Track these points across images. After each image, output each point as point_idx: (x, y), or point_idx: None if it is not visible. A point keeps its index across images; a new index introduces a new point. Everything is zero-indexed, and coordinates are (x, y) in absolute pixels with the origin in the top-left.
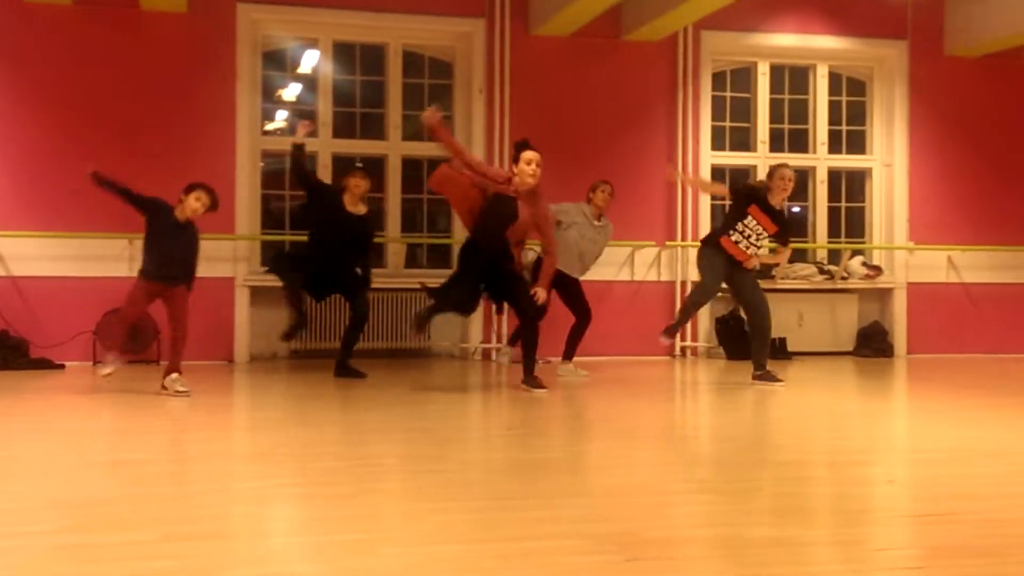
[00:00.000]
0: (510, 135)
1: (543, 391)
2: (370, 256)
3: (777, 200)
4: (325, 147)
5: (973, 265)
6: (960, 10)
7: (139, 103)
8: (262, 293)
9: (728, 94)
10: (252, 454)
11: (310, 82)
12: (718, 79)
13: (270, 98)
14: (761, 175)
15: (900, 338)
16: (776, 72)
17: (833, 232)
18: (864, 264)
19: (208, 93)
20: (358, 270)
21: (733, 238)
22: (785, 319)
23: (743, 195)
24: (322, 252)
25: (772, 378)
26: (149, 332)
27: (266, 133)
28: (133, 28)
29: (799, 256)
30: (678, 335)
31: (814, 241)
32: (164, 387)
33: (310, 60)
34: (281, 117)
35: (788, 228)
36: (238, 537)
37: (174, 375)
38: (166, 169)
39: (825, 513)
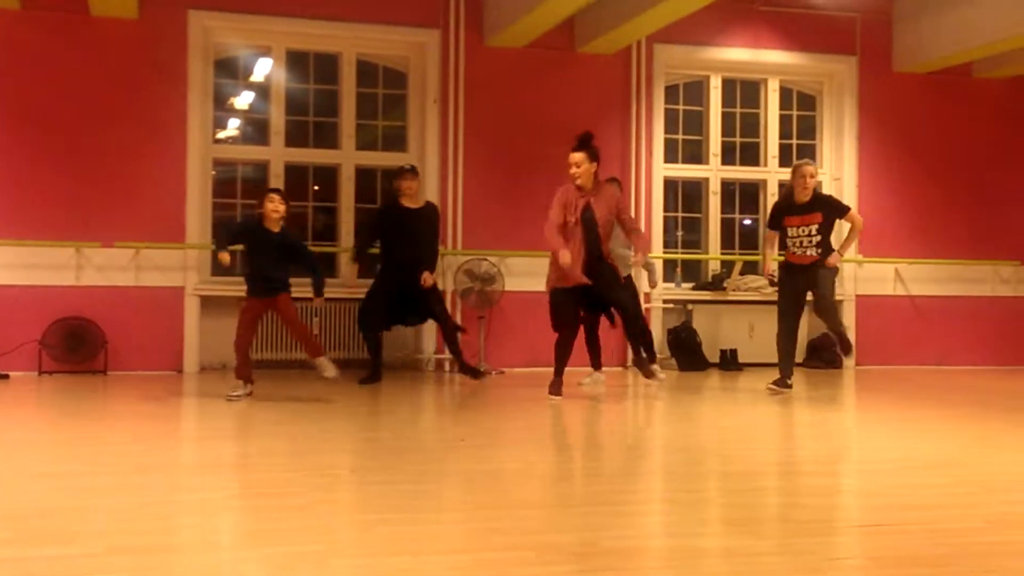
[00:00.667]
0: (464, 145)
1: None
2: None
3: (803, 196)
4: (278, 156)
5: (920, 278)
6: (908, 28)
7: (88, 110)
8: (212, 302)
9: (681, 107)
10: (200, 465)
11: (263, 90)
12: (671, 92)
13: (222, 106)
14: (713, 187)
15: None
16: (728, 86)
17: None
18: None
19: (159, 101)
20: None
21: (790, 251)
22: (736, 331)
23: (775, 215)
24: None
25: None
26: (96, 342)
27: (218, 141)
28: (83, 34)
29: (750, 268)
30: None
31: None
32: (322, 374)
33: (263, 68)
34: (233, 125)
35: (831, 204)
36: (185, 550)
37: (320, 359)
38: (115, 177)
39: (777, 523)
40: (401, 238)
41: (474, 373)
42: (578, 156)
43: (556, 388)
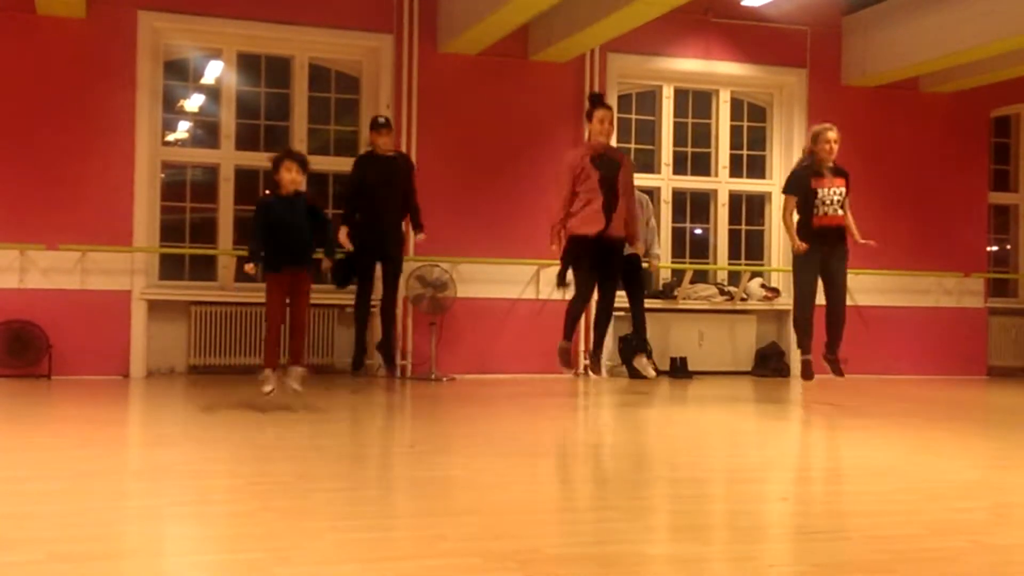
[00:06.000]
0: (417, 151)
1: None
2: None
3: (828, 161)
4: (228, 159)
5: (865, 288)
6: (856, 42)
7: (34, 110)
8: (160, 307)
9: (633, 116)
10: (145, 471)
11: (213, 93)
12: (624, 101)
13: (171, 108)
14: (664, 196)
15: (797, 358)
16: (680, 96)
17: (733, 254)
18: (763, 286)
19: (107, 102)
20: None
21: (820, 212)
22: (686, 338)
23: (798, 181)
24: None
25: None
26: (40, 345)
27: (167, 144)
28: (28, 33)
29: (700, 277)
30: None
31: (715, 262)
32: (291, 384)
33: (214, 71)
34: (183, 128)
35: (849, 176)
36: (130, 556)
37: (297, 368)
38: (60, 179)
39: (720, 530)
40: (381, 190)
41: (389, 363)
42: (610, 114)
43: (565, 356)
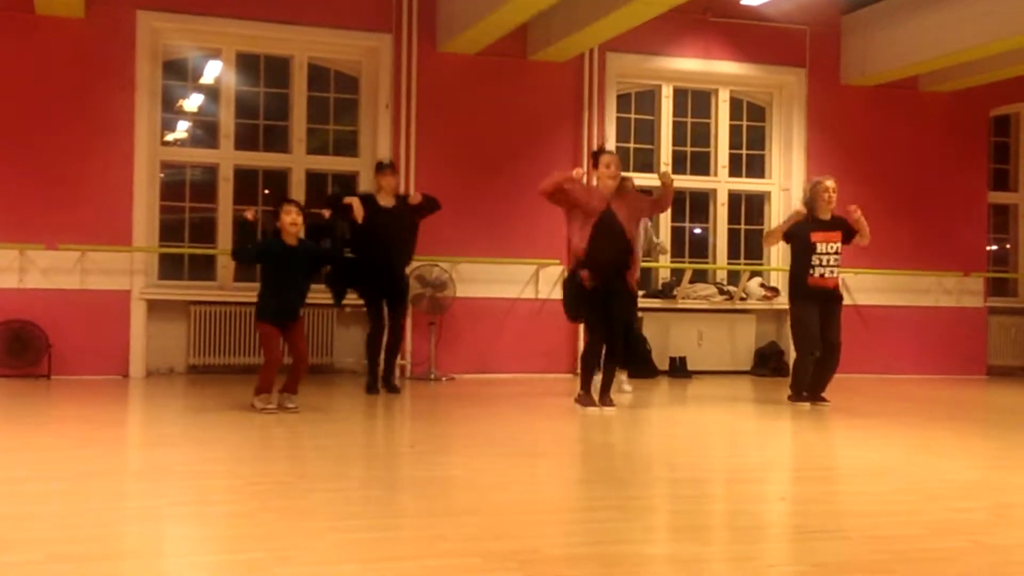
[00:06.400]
0: (416, 151)
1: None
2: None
3: (825, 213)
4: (227, 159)
5: (864, 288)
6: (856, 42)
7: (33, 110)
8: (159, 306)
9: (632, 116)
10: (145, 471)
11: (212, 93)
12: (623, 101)
13: (171, 108)
14: None
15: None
16: (679, 95)
17: (733, 253)
18: (762, 285)
19: (106, 102)
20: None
21: (816, 273)
22: (685, 338)
23: (799, 233)
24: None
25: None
26: (39, 345)
27: (166, 144)
28: (27, 33)
29: (699, 277)
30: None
31: (714, 262)
32: (280, 404)
33: (213, 71)
34: (182, 128)
35: (846, 224)
36: (130, 557)
37: (293, 395)
38: (60, 179)
39: (720, 530)
40: (379, 237)
41: (391, 388)
42: (615, 158)
43: (586, 400)
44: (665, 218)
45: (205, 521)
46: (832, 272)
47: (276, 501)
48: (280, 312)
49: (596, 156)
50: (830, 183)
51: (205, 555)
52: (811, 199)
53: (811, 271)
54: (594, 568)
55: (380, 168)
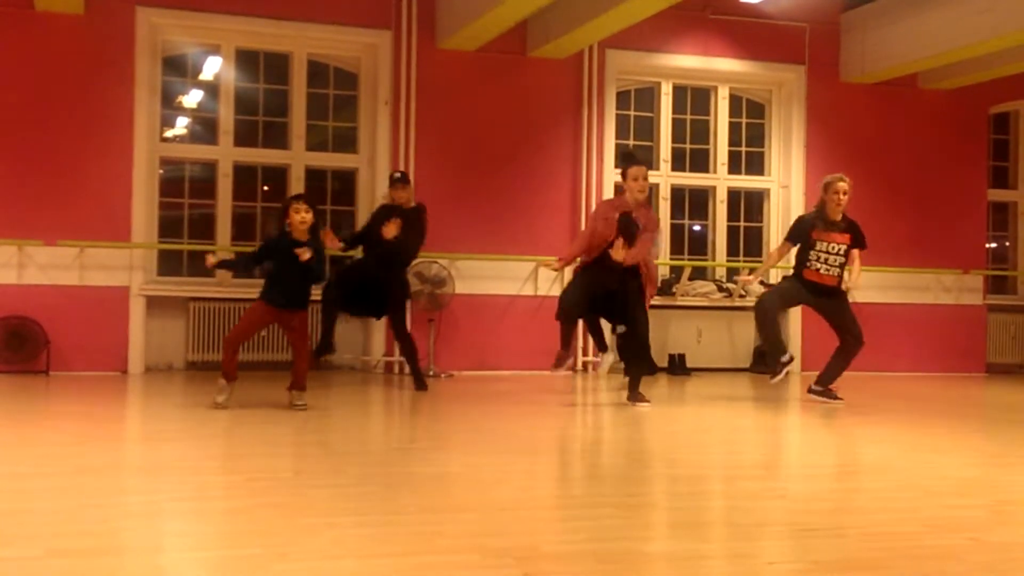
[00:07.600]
0: (416, 147)
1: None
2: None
3: (835, 213)
4: (227, 156)
5: (864, 285)
6: (855, 38)
7: (32, 106)
8: (158, 303)
9: (632, 113)
10: (143, 467)
11: (212, 89)
12: (622, 97)
13: (170, 104)
14: (663, 193)
15: (795, 355)
16: (679, 92)
17: (732, 250)
18: (761, 282)
19: (105, 98)
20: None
21: (813, 267)
22: (684, 336)
23: (800, 229)
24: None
25: (832, 396)
26: (38, 341)
27: (165, 140)
28: (27, 29)
29: (699, 274)
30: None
31: (713, 259)
32: (291, 403)
33: (212, 67)
34: (182, 124)
35: (859, 231)
36: (128, 552)
37: (300, 392)
38: (59, 174)
39: (719, 527)
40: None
41: (420, 383)
42: (644, 170)
43: (561, 360)
44: (664, 214)
45: (203, 517)
46: (831, 271)
47: (274, 497)
48: (280, 297)
49: (626, 161)
50: (843, 184)
51: (203, 551)
52: (822, 196)
53: (808, 264)
54: (592, 565)
55: (393, 182)
